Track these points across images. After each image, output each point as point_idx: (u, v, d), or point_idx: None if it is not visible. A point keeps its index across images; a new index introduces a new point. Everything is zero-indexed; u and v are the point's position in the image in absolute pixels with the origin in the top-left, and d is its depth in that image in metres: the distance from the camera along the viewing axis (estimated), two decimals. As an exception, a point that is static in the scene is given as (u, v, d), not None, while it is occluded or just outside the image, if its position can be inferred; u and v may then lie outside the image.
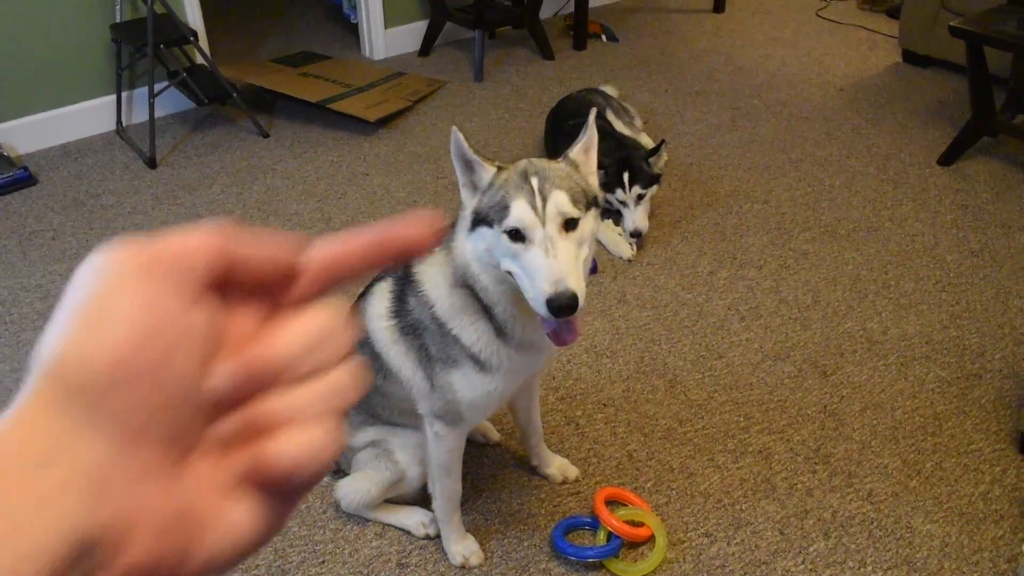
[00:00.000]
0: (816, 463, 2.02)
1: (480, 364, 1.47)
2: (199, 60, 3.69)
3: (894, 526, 1.87)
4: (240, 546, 0.30)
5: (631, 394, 2.23)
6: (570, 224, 1.31)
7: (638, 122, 3.48)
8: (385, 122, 3.70)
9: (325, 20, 5.12)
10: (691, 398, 2.22)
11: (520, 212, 1.28)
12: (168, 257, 0.30)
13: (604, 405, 2.20)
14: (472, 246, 1.37)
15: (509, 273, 1.33)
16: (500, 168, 1.37)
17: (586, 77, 4.19)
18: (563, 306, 1.24)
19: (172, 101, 3.79)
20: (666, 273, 2.74)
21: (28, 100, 3.53)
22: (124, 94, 3.72)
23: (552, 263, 1.26)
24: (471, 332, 1.45)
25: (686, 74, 4.29)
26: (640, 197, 2.82)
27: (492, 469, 2.01)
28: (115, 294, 0.29)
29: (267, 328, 0.33)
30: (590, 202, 1.35)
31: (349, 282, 0.36)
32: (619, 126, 3.25)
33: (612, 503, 1.86)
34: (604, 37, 4.80)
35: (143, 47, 3.35)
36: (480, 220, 1.35)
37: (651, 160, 2.83)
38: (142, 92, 3.59)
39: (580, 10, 4.55)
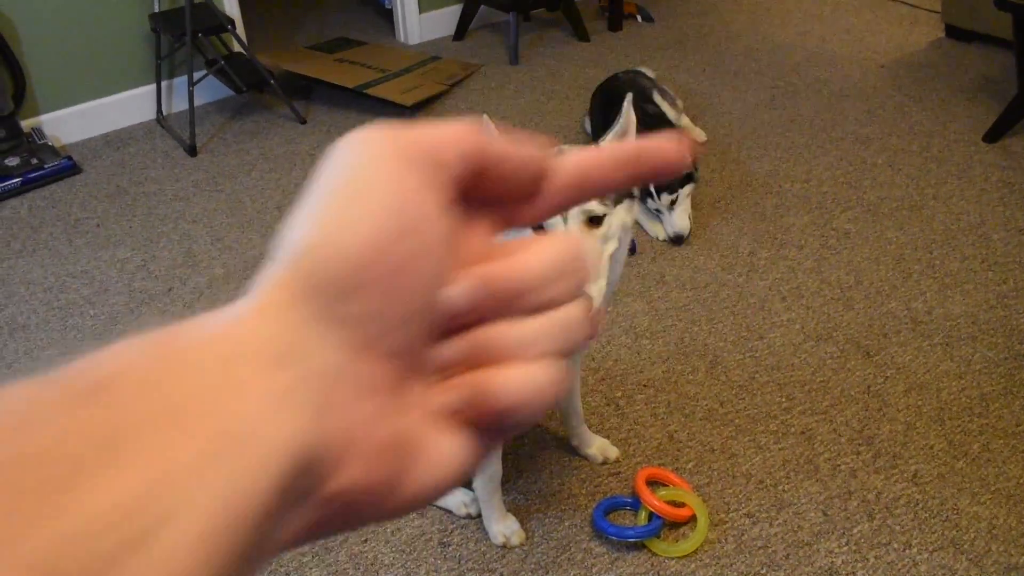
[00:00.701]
0: (860, 444, 2.00)
1: None
2: (236, 48, 3.72)
3: (940, 507, 1.84)
4: (443, 481, 0.28)
5: (671, 375, 2.22)
6: (594, 221, 1.29)
7: (680, 103, 3.45)
8: (421, 107, 3.70)
9: (360, 6, 5.14)
10: (732, 379, 2.21)
11: None
12: (428, 147, 0.27)
13: (644, 386, 2.19)
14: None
15: None
16: None
17: (622, 58, 4.16)
18: None
19: (211, 89, 3.83)
20: (705, 254, 2.71)
21: (71, 91, 3.59)
22: (164, 83, 3.77)
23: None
24: None
25: (724, 54, 4.24)
26: (674, 202, 2.74)
27: (532, 450, 2.01)
28: (372, 181, 0.26)
29: (504, 246, 0.30)
30: (621, 194, 1.32)
31: (597, 196, 0.34)
32: (666, 108, 3.21)
33: (653, 483, 1.85)
34: (639, 18, 4.75)
35: (181, 36, 3.39)
36: None
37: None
38: (181, 81, 3.63)
39: (615, -10, 4.51)
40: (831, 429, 2.04)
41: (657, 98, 3.24)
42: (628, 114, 1.39)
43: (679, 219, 2.74)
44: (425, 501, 0.28)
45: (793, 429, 2.04)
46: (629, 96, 1.41)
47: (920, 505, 1.85)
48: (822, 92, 3.79)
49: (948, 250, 2.69)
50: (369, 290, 0.25)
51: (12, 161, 3.28)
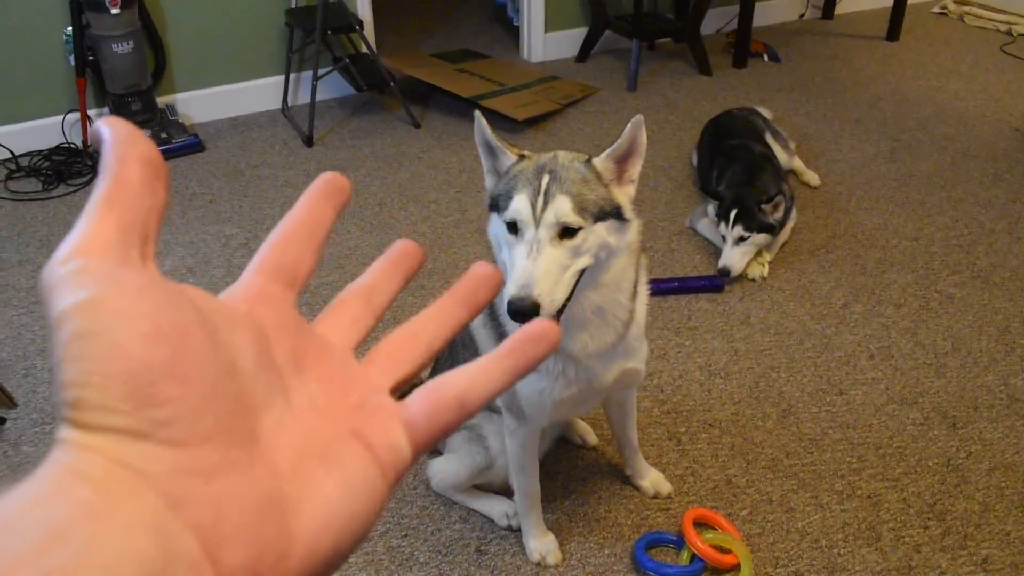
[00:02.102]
0: (929, 518, 1.89)
1: None
2: (363, 49, 3.86)
3: (1008, 597, 1.73)
4: (338, 528, 0.28)
5: (740, 418, 2.17)
6: (567, 232, 1.28)
7: (792, 146, 3.38)
8: (533, 122, 3.74)
9: (489, 21, 5.24)
10: (803, 431, 2.13)
11: (518, 205, 1.27)
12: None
13: (710, 425, 2.14)
14: (490, 227, 1.39)
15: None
16: (523, 156, 1.36)
17: (742, 96, 4.10)
18: (520, 311, 1.22)
19: (335, 86, 3.99)
20: (796, 300, 2.64)
21: (206, 74, 3.80)
22: (292, 76, 3.94)
23: (528, 265, 1.24)
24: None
25: (847, 101, 4.12)
26: (742, 239, 2.68)
27: (585, 472, 1.99)
28: (116, 303, 0.26)
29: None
30: (605, 213, 1.30)
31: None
32: (778, 151, 3.16)
33: (701, 525, 1.81)
34: (766, 57, 4.67)
35: (312, 32, 3.54)
36: (493, 204, 1.36)
37: (765, 207, 2.68)
38: (308, 75, 3.78)
39: (743, 27, 4.45)
40: (901, 498, 1.94)
41: (769, 139, 3.17)
42: (627, 138, 1.33)
43: (735, 257, 2.69)
44: (332, 555, 0.28)
45: (859, 492, 1.96)
46: (638, 117, 1.36)
47: (986, 591, 1.74)
48: (947, 150, 3.63)
49: (1060, 329, 2.53)
50: (157, 394, 0.25)
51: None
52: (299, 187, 3.25)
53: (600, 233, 1.30)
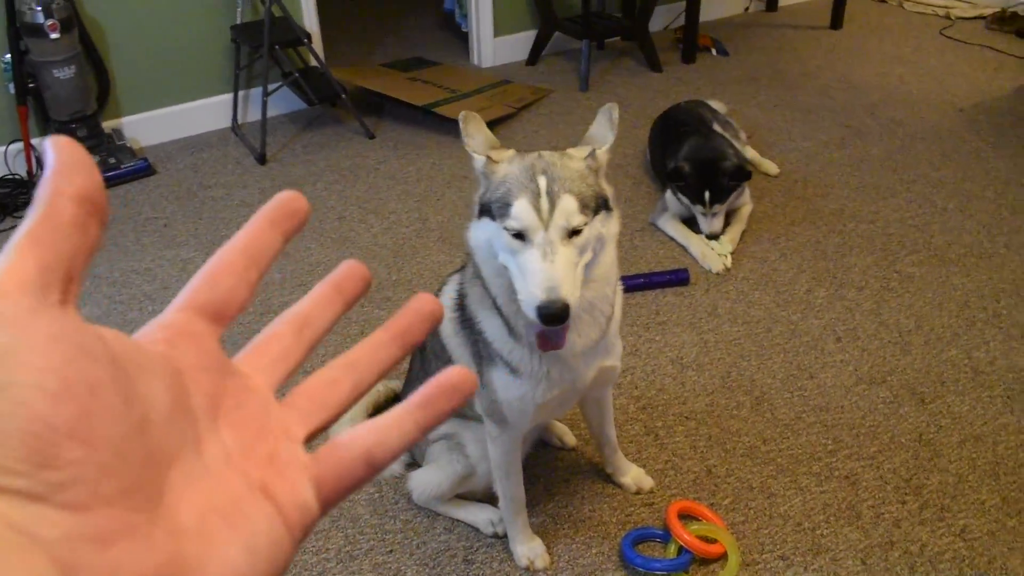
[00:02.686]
0: (906, 493, 1.92)
1: (508, 365, 1.46)
2: (312, 62, 3.82)
3: (988, 566, 1.75)
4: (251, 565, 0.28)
5: (715, 408, 2.18)
6: (575, 230, 1.28)
7: (743, 136, 3.41)
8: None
9: (438, 28, 5.23)
10: (778, 417, 2.15)
11: (521, 212, 1.25)
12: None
13: (686, 418, 2.15)
14: (476, 234, 1.36)
15: (506, 267, 1.31)
16: (490, 158, 1.33)
17: (693, 90, 4.14)
18: (553, 315, 1.21)
19: (285, 101, 3.94)
20: (761, 289, 2.66)
21: (153, 95, 3.73)
22: (241, 93, 3.89)
23: (548, 268, 1.23)
24: (489, 327, 1.45)
25: (797, 90, 4.18)
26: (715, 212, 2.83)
27: (566, 473, 1.99)
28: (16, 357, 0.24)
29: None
30: (598, 206, 1.31)
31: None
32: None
33: (686, 517, 1.81)
34: (714, 51, 4.72)
35: (260, 47, 3.50)
36: (484, 210, 1.33)
37: (736, 179, 2.78)
38: (258, 91, 3.73)
39: (690, 23, 4.49)
40: (877, 476, 1.97)
41: (717, 128, 3.21)
42: (616, 121, 1.39)
43: (717, 222, 2.83)
44: None
45: (837, 473, 1.98)
46: (609, 105, 1.41)
47: (966, 561, 1.76)
48: (896, 133, 3.70)
49: (1017, 300, 2.58)
50: (59, 456, 0.24)
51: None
52: (254, 206, 3.19)
53: (596, 226, 1.31)
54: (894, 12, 5.39)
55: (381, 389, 2.07)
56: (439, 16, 5.38)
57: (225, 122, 3.91)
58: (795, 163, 3.45)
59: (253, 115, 3.89)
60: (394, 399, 2.08)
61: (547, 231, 1.25)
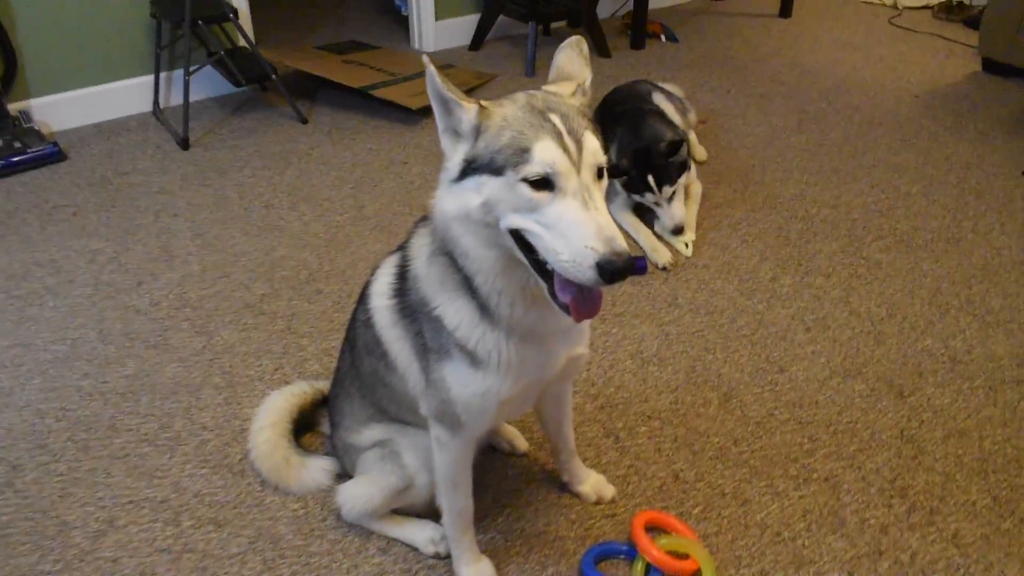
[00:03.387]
0: (892, 496, 1.75)
1: (471, 356, 1.24)
2: (241, 43, 3.55)
3: (984, 574, 1.59)
4: None
5: (680, 407, 1.99)
6: (600, 173, 1.09)
7: (692, 116, 3.23)
8: (428, 111, 3.51)
9: (379, 14, 4.98)
10: (748, 415, 1.97)
11: (549, 155, 1.04)
12: None
13: (649, 417, 1.96)
14: (458, 201, 1.12)
15: (514, 233, 1.09)
16: (484, 107, 1.12)
17: (643, 75, 3.96)
18: (620, 269, 1.00)
19: (213, 83, 3.66)
20: (723, 277, 2.49)
21: (65, 77, 3.42)
22: (163, 75, 3.59)
23: (596, 216, 1.03)
24: (452, 312, 1.23)
25: (749, 76, 4.04)
26: (674, 192, 2.60)
27: (517, 483, 1.77)
28: None
29: None
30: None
31: None
32: (671, 112, 2.99)
33: (653, 530, 1.62)
34: (664, 37, 4.58)
35: (181, 23, 3.22)
36: (478, 167, 1.09)
37: (673, 154, 2.57)
38: (181, 73, 3.44)
39: (639, 9, 4.34)
40: (859, 477, 1.80)
41: (658, 98, 3.03)
42: (572, 53, 1.24)
43: (678, 209, 2.61)
44: None
45: (816, 475, 1.80)
46: (574, 39, 1.25)
47: (962, 570, 1.60)
48: (852, 119, 3.58)
49: (989, 286, 2.45)
50: None
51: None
52: (174, 192, 2.94)
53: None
54: (843, 1, 5.32)
55: (308, 390, 1.84)
56: (379, 0, 5.14)
57: (147, 106, 3.61)
58: (752, 148, 3.29)
59: (177, 99, 3.59)
60: (323, 401, 1.84)
61: (580, 174, 1.05)
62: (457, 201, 1.12)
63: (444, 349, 1.25)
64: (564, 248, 1.03)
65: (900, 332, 2.25)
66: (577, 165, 1.05)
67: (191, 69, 3.29)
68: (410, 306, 1.29)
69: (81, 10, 3.34)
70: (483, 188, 1.09)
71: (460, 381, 1.26)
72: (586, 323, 1.35)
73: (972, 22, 4.80)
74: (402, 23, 4.64)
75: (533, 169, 1.04)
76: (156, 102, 3.59)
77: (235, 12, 3.34)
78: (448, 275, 1.21)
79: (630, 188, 2.66)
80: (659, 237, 2.66)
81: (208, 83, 3.66)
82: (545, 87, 1.18)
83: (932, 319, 2.31)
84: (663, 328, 2.26)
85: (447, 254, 1.19)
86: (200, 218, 2.79)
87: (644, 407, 1.99)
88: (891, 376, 2.09)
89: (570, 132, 1.06)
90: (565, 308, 1.11)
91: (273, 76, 3.38)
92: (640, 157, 2.57)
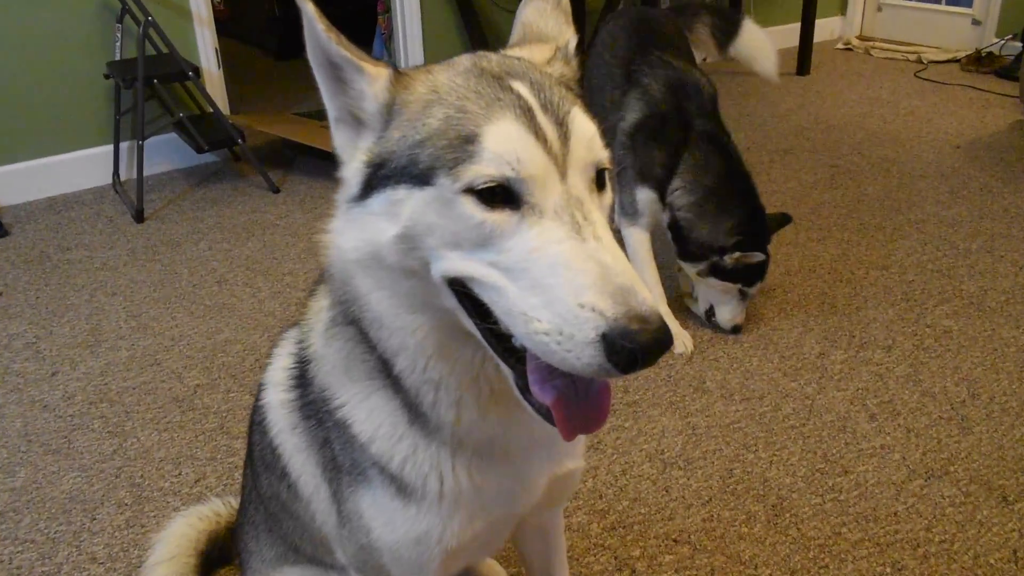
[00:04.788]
0: (1017, 651, 1.28)
1: (397, 482, 0.80)
2: (209, 109, 3.23)
3: None
4: None
5: (715, 525, 1.53)
6: (600, 178, 0.66)
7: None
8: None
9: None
10: (807, 534, 1.50)
11: (512, 145, 0.61)
12: None
13: (675, 541, 1.49)
14: (361, 233, 0.70)
15: (456, 285, 0.66)
16: (401, 73, 0.70)
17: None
18: (645, 346, 0.56)
19: (179, 153, 3.33)
20: (760, 354, 2.05)
21: (13, 147, 3.09)
22: (124, 144, 3.26)
23: (600, 253, 0.60)
24: (363, 414, 0.79)
25: (770, 132, 3.68)
26: (745, 295, 2.13)
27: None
28: None
29: None
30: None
31: None
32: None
33: None
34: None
35: (134, 82, 2.88)
36: (391, 174, 0.67)
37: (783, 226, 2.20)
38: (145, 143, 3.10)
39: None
40: (967, 622, 1.32)
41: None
42: (546, 5, 0.81)
43: (744, 307, 2.13)
44: None
45: (907, 619, 1.33)
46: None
47: None
48: (891, 171, 3.19)
49: (1089, 358, 2.00)
50: None
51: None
52: (118, 269, 2.56)
53: None
54: (862, 59, 5.04)
55: (223, 512, 1.39)
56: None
57: (106, 178, 3.27)
58: (780, 204, 2.89)
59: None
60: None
61: (567, 179, 0.63)
62: (360, 234, 0.70)
63: (358, 469, 0.82)
64: (542, 309, 0.60)
65: (989, 417, 1.79)
66: (561, 163, 0.63)
67: (147, 135, 2.95)
68: (313, 403, 0.86)
69: (34, 75, 3.03)
70: (400, 209, 0.67)
71: (382, 519, 0.82)
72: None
73: (1004, 72, 4.51)
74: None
75: (483, 171, 0.62)
76: (116, 173, 3.25)
77: (196, 71, 3.01)
78: (355, 356, 0.78)
79: (726, 276, 2.06)
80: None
81: (174, 153, 3.32)
82: (504, 51, 0.78)
83: (1026, 400, 1.85)
84: (689, 420, 1.81)
85: (353, 322, 0.77)
86: (140, 297, 2.39)
87: (668, 527, 1.52)
88: (988, 475, 1.62)
89: (546, 108, 0.64)
90: (544, 413, 0.67)
91: (240, 141, 3.04)
92: (758, 231, 2.04)
